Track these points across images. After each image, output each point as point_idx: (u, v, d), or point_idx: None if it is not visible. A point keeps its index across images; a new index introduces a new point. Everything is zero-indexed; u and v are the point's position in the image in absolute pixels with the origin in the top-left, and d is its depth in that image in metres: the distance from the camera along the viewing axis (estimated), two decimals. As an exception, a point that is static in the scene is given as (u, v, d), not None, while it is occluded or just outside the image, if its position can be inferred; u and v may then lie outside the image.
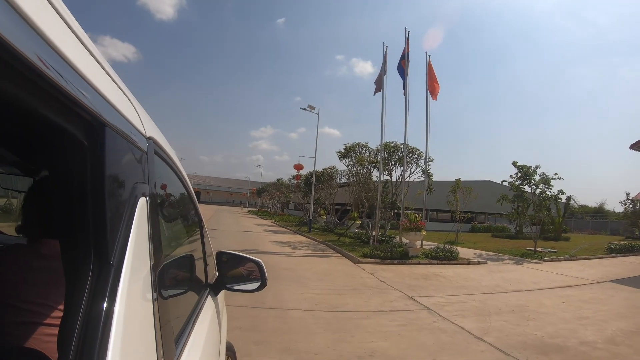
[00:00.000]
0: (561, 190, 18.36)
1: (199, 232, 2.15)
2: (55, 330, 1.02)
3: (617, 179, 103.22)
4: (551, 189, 18.26)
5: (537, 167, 18.56)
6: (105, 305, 0.75)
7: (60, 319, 0.97)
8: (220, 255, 2.14)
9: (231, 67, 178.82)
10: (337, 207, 33.44)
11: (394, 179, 19.29)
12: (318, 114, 26.65)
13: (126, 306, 0.79)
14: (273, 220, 41.31)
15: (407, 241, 14.73)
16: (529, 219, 18.75)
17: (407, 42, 17.48)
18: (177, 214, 1.80)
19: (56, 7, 0.63)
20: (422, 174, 19.12)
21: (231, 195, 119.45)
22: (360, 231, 21.63)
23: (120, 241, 0.82)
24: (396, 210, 19.23)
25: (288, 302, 7.07)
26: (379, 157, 18.42)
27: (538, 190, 18.39)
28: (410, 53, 17.51)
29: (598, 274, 12.85)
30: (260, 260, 2.09)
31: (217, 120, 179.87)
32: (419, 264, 13.26)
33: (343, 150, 19.90)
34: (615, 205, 66.75)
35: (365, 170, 19.94)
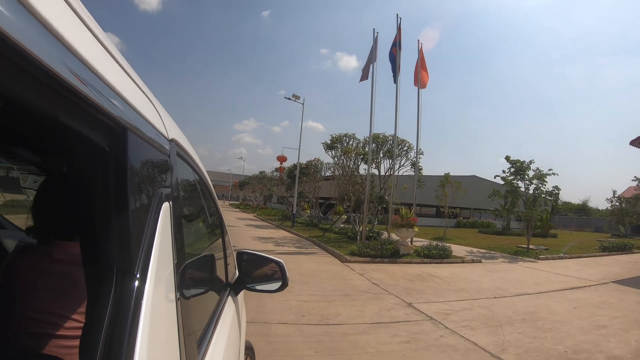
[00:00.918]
0: (556, 186, 17.74)
1: (219, 231, 2.17)
2: (74, 342, 1.04)
3: (600, 176, 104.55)
4: (545, 185, 17.63)
5: (531, 162, 17.92)
6: (130, 313, 0.73)
7: (78, 330, 1.04)
8: (240, 255, 2.11)
9: (215, 59, 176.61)
10: (321, 200, 32.54)
11: (382, 172, 18.46)
12: (303, 104, 25.61)
13: (151, 314, 0.77)
14: (255, 214, 40.19)
15: (397, 238, 13.87)
16: (522, 215, 18.03)
17: (399, 29, 16.63)
18: (199, 215, 1.81)
19: (75, 9, 0.62)
20: (411, 168, 18.33)
21: (214, 188, 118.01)
22: (347, 226, 20.76)
23: (145, 248, 0.80)
24: (384, 205, 18.41)
25: (271, 312, 6.06)
26: (367, 148, 17.53)
27: (532, 186, 17.73)
28: (401, 42, 16.70)
29: (598, 274, 12.28)
30: (282, 261, 2.06)
31: (200, 113, 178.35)
32: (411, 262, 12.41)
33: (329, 142, 18.92)
34: (598, 202, 67.51)
35: (352, 163, 18.99)
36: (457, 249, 15.38)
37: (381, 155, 18.18)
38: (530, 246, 17.48)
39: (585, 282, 10.57)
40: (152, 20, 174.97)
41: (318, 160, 27.86)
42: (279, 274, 2.07)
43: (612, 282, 10.92)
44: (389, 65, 16.61)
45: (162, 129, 1.02)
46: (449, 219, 24.41)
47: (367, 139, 17.86)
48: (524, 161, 17.97)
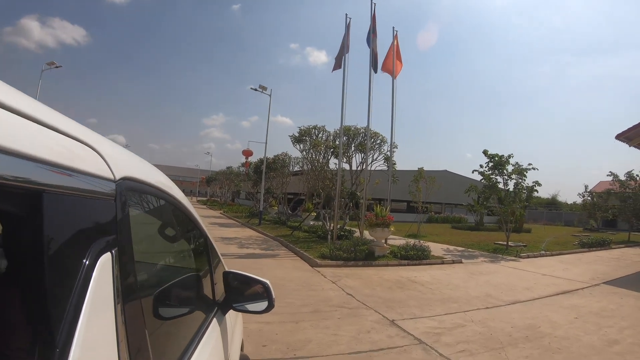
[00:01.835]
0: (537, 181, 17.10)
1: (204, 251, 2.07)
2: None
3: (567, 171, 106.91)
4: (525, 180, 16.96)
5: (510, 156, 17.22)
6: None
7: None
8: (226, 274, 2.09)
9: (185, 53, 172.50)
10: (290, 196, 31.32)
11: (353, 167, 17.35)
12: (270, 95, 24.19)
13: None
14: (222, 211, 38.53)
15: (372, 238, 12.80)
16: (500, 211, 17.27)
17: (373, 17, 15.61)
18: (173, 239, 1.77)
19: None
20: (384, 162, 17.30)
21: (181, 184, 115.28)
22: (316, 224, 19.61)
23: (70, 315, 0.73)
24: (356, 201, 17.34)
25: (222, 341, 4.83)
26: (337, 142, 16.39)
27: (512, 181, 17.02)
28: (376, 29, 15.69)
29: (585, 273, 11.65)
30: (267, 281, 2.00)
31: (168, 107, 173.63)
32: (387, 265, 11.34)
33: (297, 134, 17.67)
34: (566, 196, 68.52)
35: (322, 157, 17.79)
36: (434, 247, 14.45)
37: (352, 149, 17.07)
38: (509, 243, 16.92)
39: (576, 285, 9.80)
40: (120, 12, 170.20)
41: (286, 154, 26.54)
42: (266, 295, 2.03)
43: (603, 283, 10.22)
44: (360, 56, 15.62)
45: (102, 172, 0.92)
46: (423, 215, 23.58)
47: (338, 131, 16.74)
48: (503, 155, 17.25)
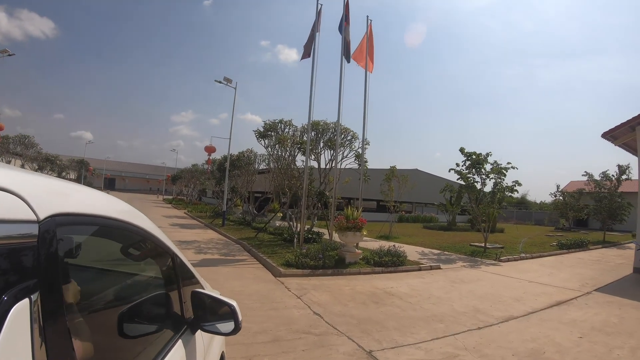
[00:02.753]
0: (517, 181, 16.30)
1: (170, 269, 1.97)
2: None
3: (536, 171, 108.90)
4: (503, 179, 16.17)
5: (488, 154, 16.37)
6: None
7: None
8: (194, 294, 2.00)
9: (154, 47, 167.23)
10: (257, 195, 29.96)
11: (322, 165, 16.20)
12: (235, 88, 22.74)
13: None
14: (186, 211, 36.72)
15: (342, 242, 11.67)
16: (478, 212, 16.44)
17: (346, 4, 14.52)
18: (135, 261, 1.87)
19: None
20: (355, 160, 16.24)
21: (148, 182, 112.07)
22: (283, 225, 18.41)
23: None
24: (325, 201, 16.22)
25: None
26: (305, 137, 15.21)
27: (491, 181, 16.21)
28: (349, 17, 14.59)
29: (572, 279, 10.95)
30: (234, 303, 1.93)
31: (137, 103, 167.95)
32: (360, 274, 10.22)
33: (262, 129, 16.38)
34: (535, 196, 69.34)
35: (288, 154, 16.53)
36: (408, 250, 13.50)
37: (321, 145, 15.92)
38: (483, 244, 16.23)
39: (567, 293, 9.00)
40: (90, 5, 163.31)
41: (251, 151, 25.05)
42: (232, 316, 1.95)
43: (595, 290, 9.49)
44: (330, 49, 14.56)
45: (20, 214, 0.90)
46: (394, 215, 22.67)
47: (306, 126, 15.60)
48: (480, 154, 16.42)
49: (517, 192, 16.71)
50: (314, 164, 16.30)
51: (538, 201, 62.44)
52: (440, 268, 11.87)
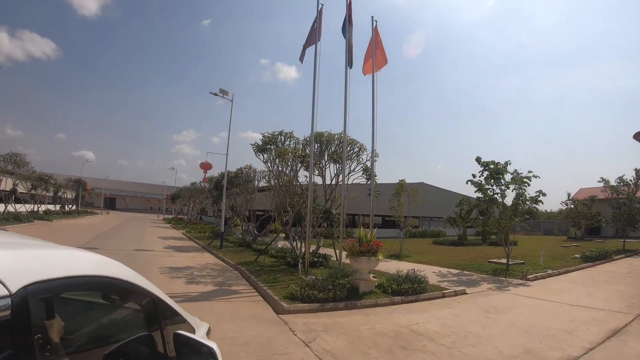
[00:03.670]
0: (541, 190, 14.93)
1: (153, 313, 2.04)
2: None
3: (538, 181, 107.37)
4: (525, 189, 14.79)
5: (507, 163, 14.99)
6: None
7: None
8: (176, 336, 1.98)
9: (155, 68, 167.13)
10: (258, 212, 28.50)
11: (327, 180, 14.81)
12: (232, 100, 21.39)
13: None
14: (185, 231, 35.31)
15: (354, 268, 10.23)
16: (500, 225, 15.04)
17: (349, 4, 13.34)
18: (116, 308, 2.05)
19: None
20: (363, 174, 14.84)
21: (149, 201, 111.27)
22: (286, 246, 16.96)
23: None
24: (331, 220, 14.80)
25: None
26: (308, 150, 13.86)
27: (513, 191, 14.83)
28: (351, 19, 13.40)
29: (614, 299, 9.78)
30: (214, 346, 1.89)
31: (139, 123, 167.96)
32: (377, 305, 8.76)
33: (260, 143, 15.02)
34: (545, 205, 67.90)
35: (289, 169, 15.09)
36: (424, 270, 12.11)
37: (326, 158, 14.56)
38: (502, 260, 15.35)
39: (618, 318, 7.87)
40: (90, 26, 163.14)
41: (250, 167, 23.59)
42: (213, 358, 1.93)
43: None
44: (343, 35, 13.41)
45: None
46: (405, 231, 21.21)
47: (308, 138, 14.27)
48: (499, 163, 15.03)
49: (542, 203, 15.31)
50: (318, 179, 14.94)
51: (543, 210, 60.92)
52: (466, 293, 10.49)
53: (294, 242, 15.13)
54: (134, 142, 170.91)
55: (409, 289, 9.54)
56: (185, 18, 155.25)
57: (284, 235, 18.74)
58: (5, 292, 1.00)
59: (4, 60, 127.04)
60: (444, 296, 9.93)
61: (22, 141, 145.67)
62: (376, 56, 13.67)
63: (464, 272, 14.19)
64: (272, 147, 15.02)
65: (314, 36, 12.98)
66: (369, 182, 14.89)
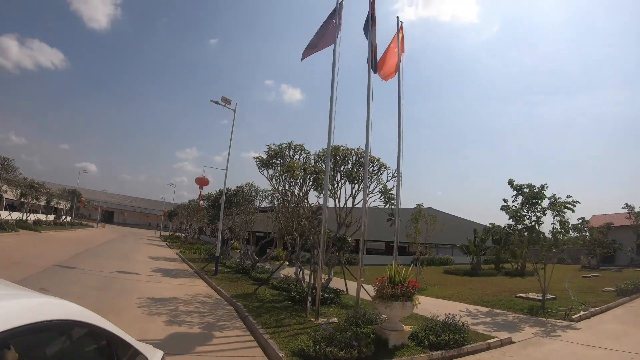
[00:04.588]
0: (583, 218, 13.00)
1: (107, 351, 2.17)
2: None
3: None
4: (564, 215, 12.86)
5: (544, 187, 13.05)
6: None
7: None
8: None
9: (161, 84, 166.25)
10: (258, 234, 26.34)
11: (341, 202, 12.73)
12: (235, 110, 19.43)
13: None
14: (179, 251, 32.93)
15: (382, 314, 8.11)
16: (540, 257, 13.14)
17: (372, 4, 11.61)
18: (62, 350, 1.95)
19: None
20: (381, 196, 12.84)
21: (147, 217, 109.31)
22: (290, 275, 14.83)
23: None
24: (345, 248, 12.75)
25: None
26: (322, 165, 11.91)
27: (555, 218, 12.86)
28: (375, 18, 11.70)
29: None
30: None
31: (143, 138, 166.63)
32: (413, 366, 6.65)
33: (265, 157, 13.02)
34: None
35: (297, 188, 13.00)
36: (447, 307, 10.14)
37: (338, 177, 12.54)
38: (531, 295, 14.25)
39: None
40: (99, 39, 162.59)
41: (251, 185, 21.49)
42: None
43: None
44: (365, 36, 11.70)
45: None
46: (417, 259, 19.16)
47: (320, 153, 12.38)
48: (534, 186, 13.10)
49: (587, 232, 13.64)
50: (329, 201, 12.90)
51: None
52: (512, 342, 8.56)
53: (300, 273, 13.01)
54: (136, 156, 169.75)
55: (450, 341, 7.44)
56: (193, 36, 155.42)
57: (287, 263, 16.62)
58: None
59: (13, 67, 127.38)
60: (489, 347, 7.90)
61: (26, 149, 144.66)
62: (392, 61, 11.99)
63: (494, 310, 12.38)
64: (278, 162, 13.01)
65: (328, 36, 11.12)
66: (387, 206, 12.91)
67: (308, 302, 10.27)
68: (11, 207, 38.23)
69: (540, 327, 10.01)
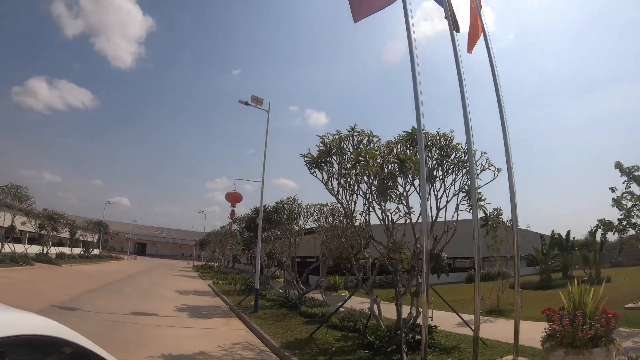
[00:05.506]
0: None
1: None
2: None
3: (573, 209, 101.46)
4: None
5: None
6: None
7: None
8: None
9: (185, 116, 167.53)
10: (309, 260, 22.65)
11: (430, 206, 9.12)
12: (268, 111, 16.24)
13: None
14: (212, 282, 29.60)
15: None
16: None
17: None
18: None
19: None
20: (465, 197, 9.33)
21: (180, 247, 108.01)
22: (353, 308, 11.22)
23: None
24: (445, 269, 9.19)
25: None
26: (407, 151, 8.45)
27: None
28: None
29: None
30: None
31: (172, 170, 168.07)
32: None
33: (317, 152, 9.63)
34: (577, 235, 61.41)
35: (371, 185, 9.37)
36: None
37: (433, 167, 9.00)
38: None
39: None
40: (125, 77, 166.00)
41: (293, 200, 17.94)
42: None
43: None
44: None
45: None
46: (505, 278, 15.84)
47: (399, 137, 8.95)
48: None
49: None
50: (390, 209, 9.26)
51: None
52: None
53: (375, 307, 9.37)
54: (167, 189, 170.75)
55: None
56: (216, 68, 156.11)
57: (346, 293, 12.93)
58: None
59: (44, 108, 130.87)
60: None
61: (61, 187, 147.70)
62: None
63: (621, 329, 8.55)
64: (334, 159, 9.57)
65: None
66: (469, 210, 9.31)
67: (403, 353, 6.69)
68: (32, 240, 36.03)
69: None
